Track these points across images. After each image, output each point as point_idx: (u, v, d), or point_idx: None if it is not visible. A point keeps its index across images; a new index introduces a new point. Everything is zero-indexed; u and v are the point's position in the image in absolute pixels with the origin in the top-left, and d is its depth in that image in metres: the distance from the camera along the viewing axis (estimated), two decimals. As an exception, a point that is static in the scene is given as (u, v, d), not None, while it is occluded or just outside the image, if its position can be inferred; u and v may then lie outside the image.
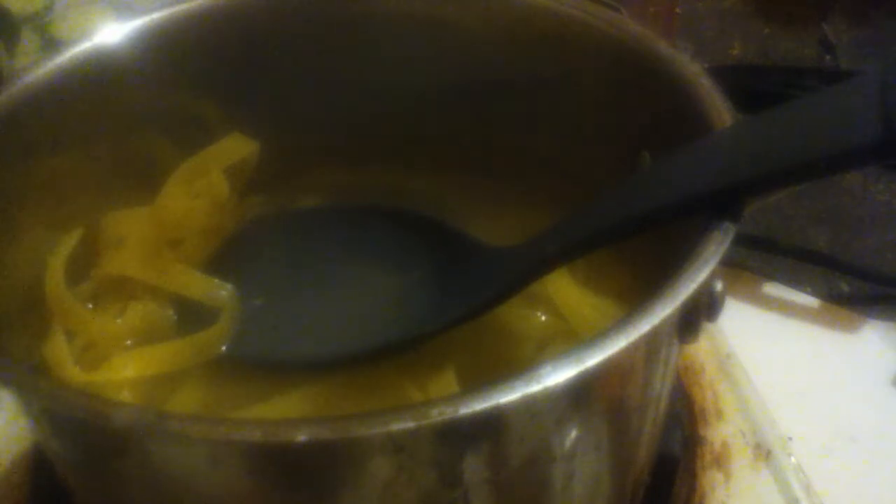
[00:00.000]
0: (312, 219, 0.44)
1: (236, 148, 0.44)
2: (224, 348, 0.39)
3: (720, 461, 0.43)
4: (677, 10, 0.74)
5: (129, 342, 0.39)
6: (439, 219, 0.41)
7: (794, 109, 0.29)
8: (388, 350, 0.38)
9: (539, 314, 0.41)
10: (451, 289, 0.39)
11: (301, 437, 0.23)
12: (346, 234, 0.43)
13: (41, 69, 0.37)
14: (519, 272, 0.36)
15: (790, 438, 0.44)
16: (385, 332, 0.38)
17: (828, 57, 0.72)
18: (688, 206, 0.30)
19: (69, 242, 0.39)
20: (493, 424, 0.25)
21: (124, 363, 0.37)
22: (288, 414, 0.36)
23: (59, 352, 0.36)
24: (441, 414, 0.23)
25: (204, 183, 0.43)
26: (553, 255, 0.35)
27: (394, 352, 0.38)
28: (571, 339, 0.39)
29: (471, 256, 0.39)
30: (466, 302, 0.37)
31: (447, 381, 0.36)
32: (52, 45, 0.70)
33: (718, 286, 0.29)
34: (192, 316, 0.40)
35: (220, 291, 0.40)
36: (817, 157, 0.28)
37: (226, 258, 0.43)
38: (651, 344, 0.29)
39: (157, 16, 0.41)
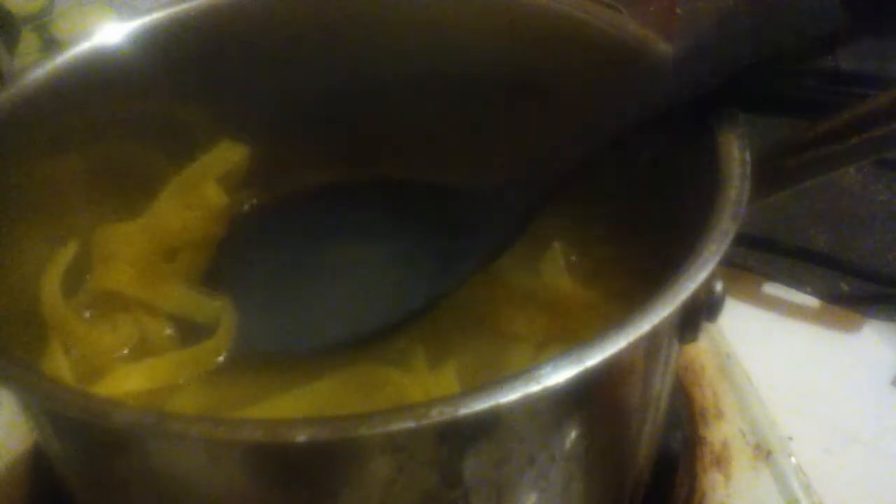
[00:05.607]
0: (301, 205, 0.44)
1: (227, 155, 0.44)
2: (224, 355, 0.39)
3: (720, 461, 0.43)
4: (677, 10, 0.73)
5: (125, 351, 0.40)
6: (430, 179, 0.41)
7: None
8: (401, 323, 0.37)
9: (539, 314, 0.41)
10: (453, 245, 0.39)
11: (301, 437, 0.23)
12: (337, 214, 0.43)
13: (41, 69, 0.37)
14: (521, 206, 0.36)
15: (790, 438, 0.44)
16: (395, 304, 0.38)
17: (828, 57, 0.71)
18: (673, 107, 0.32)
19: (65, 255, 0.39)
20: (493, 424, 0.25)
21: (123, 377, 0.38)
22: (288, 414, 0.35)
23: (58, 367, 0.37)
24: (441, 414, 0.23)
25: (198, 194, 0.43)
26: (551, 181, 0.35)
27: (408, 323, 0.37)
28: (571, 339, 0.39)
29: (466, 208, 0.39)
30: (471, 254, 0.37)
31: (447, 381, 0.36)
32: (52, 45, 0.70)
33: (718, 286, 0.29)
34: (189, 324, 0.40)
35: (215, 305, 0.40)
36: (784, 37, 0.30)
37: (220, 259, 0.43)
38: (651, 344, 0.29)
39: (157, 16, 0.41)
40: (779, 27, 0.30)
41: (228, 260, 0.43)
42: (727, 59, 0.31)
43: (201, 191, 0.44)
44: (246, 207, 0.45)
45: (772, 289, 0.53)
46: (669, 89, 0.32)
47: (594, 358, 0.24)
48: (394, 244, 0.41)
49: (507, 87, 0.44)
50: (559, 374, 0.24)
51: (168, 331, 0.40)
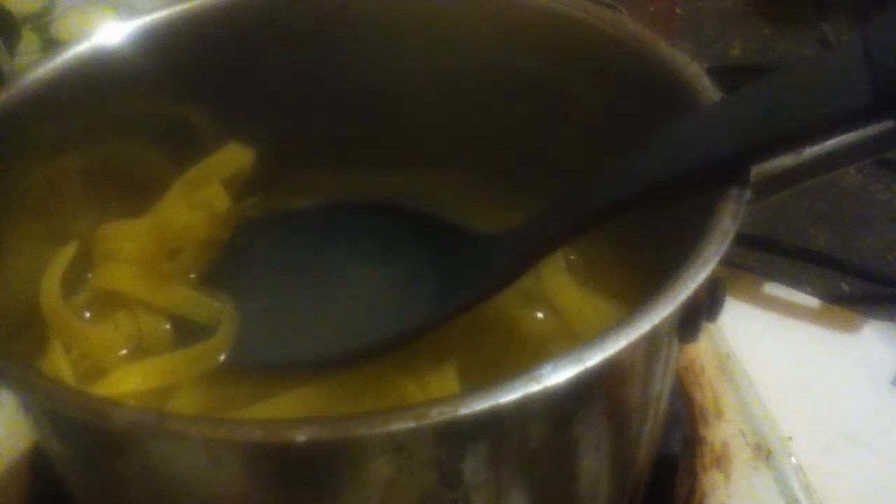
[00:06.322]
0: (306, 218, 0.44)
1: (233, 158, 0.44)
2: (223, 356, 0.39)
3: (720, 461, 0.43)
4: (677, 10, 0.74)
5: (125, 351, 0.40)
6: (433, 211, 0.41)
7: (787, 77, 0.30)
8: (391, 345, 0.38)
9: (539, 314, 0.41)
10: (452, 278, 0.39)
11: (301, 437, 0.23)
12: (341, 232, 0.43)
13: (41, 69, 0.37)
14: (520, 255, 0.36)
15: (790, 438, 0.44)
16: (388, 327, 0.38)
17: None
18: (689, 176, 0.30)
19: (65, 255, 0.39)
20: (493, 424, 0.25)
21: (124, 377, 0.37)
22: (288, 414, 0.36)
23: (58, 367, 0.36)
24: (441, 414, 0.23)
25: (202, 195, 0.43)
26: (556, 234, 0.34)
27: (398, 346, 0.37)
28: (571, 339, 0.39)
29: (468, 245, 0.39)
30: (469, 290, 0.37)
31: (447, 381, 0.36)
32: (52, 45, 0.70)
33: (718, 286, 0.29)
34: (189, 324, 0.40)
35: (216, 306, 0.40)
36: (813, 121, 0.28)
37: (222, 262, 0.43)
38: (651, 344, 0.29)
39: (157, 16, 0.41)
40: (801, 106, 0.29)
41: (230, 263, 0.43)
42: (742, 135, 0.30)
43: (205, 192, 0.44)
44: (250, 212, 0.45)
45: (772, 289, 0.53)
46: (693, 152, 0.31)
47: (594, 358, 0.24)
48: (394, 264, 0.41)
49: (507, 90, 0.44)
50: (559, 374, 0.24)
51: (168, 330, 0.41)
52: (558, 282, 0.41)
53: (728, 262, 0.28)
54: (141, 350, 0.40)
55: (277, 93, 0.45)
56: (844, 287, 0.54)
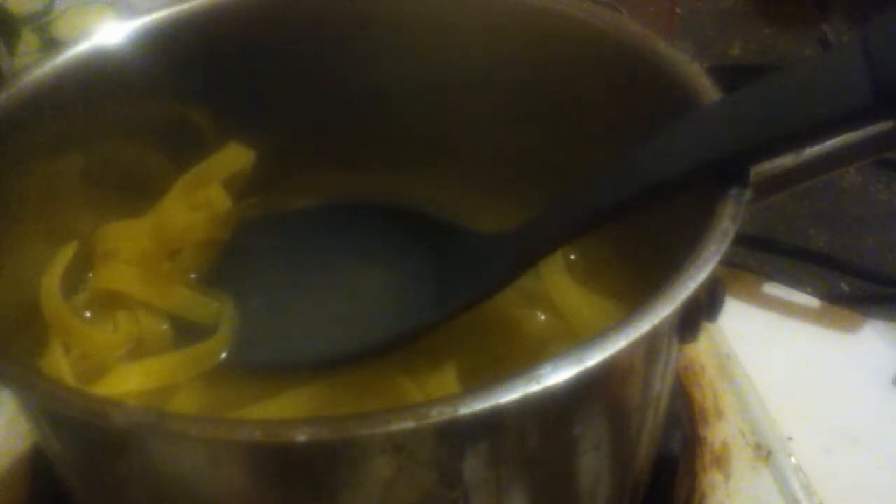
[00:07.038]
0: (306, 218, 0.44)
1: (234, 158, 0.44)
2: (224, 355, 0.39)
3: (720, 461, 0.43)
4: (677, 10, 0.73)
5: (125, 351, 0.40)
6: (433, 211, 0.41)
7: (787, 77, 0.30)
8: (391, 346, 0.38)
9: (539, 314, 0.41)
10: (452, 278, 0.39)
11: (301, 437, 0.23)
12: (341, 232, 0.43)
13: (41, 69, 0.37)
14: (520, 255, 0.36)
15: (790, 438, 0.44)
16: (387, 327, 0.38)
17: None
18: (690, 177, 0.30)
19: (65, 255, 0.39)
20: (493, 424, 0.25)
21: (123, 377, 0.38)
22: (288, 414, 0.36)
23: (58, 367, 0.37)
24: (441, 414, 0.23)
25: (203, 195, 0.43)
26: (556, 234, 0.35)
27: (397, 346, 0.37)
28: (571, 339, 0.39)
29: (469, 245, 0.39)
30: (469, 290, 0.37)
31: (447, 381, 0.36)
32: (52, 45, 0.70)
33: (718, 286, 0.29)
34: (189, 324, 0.40)
35: (216, 306, 0.40)
36: (813, 121, 0.28)
37: (222, 262, 0.43)
38: (651, 344, 0.29)
39: (157, 16, 0.41)
40: (800, 105, 0.29)
41: (230, 263, 0.43)
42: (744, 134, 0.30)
43: (205, 192, 0.44)
44: (250, 212, 0.45)
45: (772, 289, 0.53)
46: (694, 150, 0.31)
47: (594, 358, 0.24)
48: (394, 264, 0.41)
49: (507, 90, 0.44)
50: (559, 374, 0.24)
51: (168, 331, 0.41)
52: (558, 282, 0.41)
53: (728, 262, 0.28)
54: (141, 350, 0.40)
55: (277, 93, 0.45)
56: (844, 287, 0.54)
